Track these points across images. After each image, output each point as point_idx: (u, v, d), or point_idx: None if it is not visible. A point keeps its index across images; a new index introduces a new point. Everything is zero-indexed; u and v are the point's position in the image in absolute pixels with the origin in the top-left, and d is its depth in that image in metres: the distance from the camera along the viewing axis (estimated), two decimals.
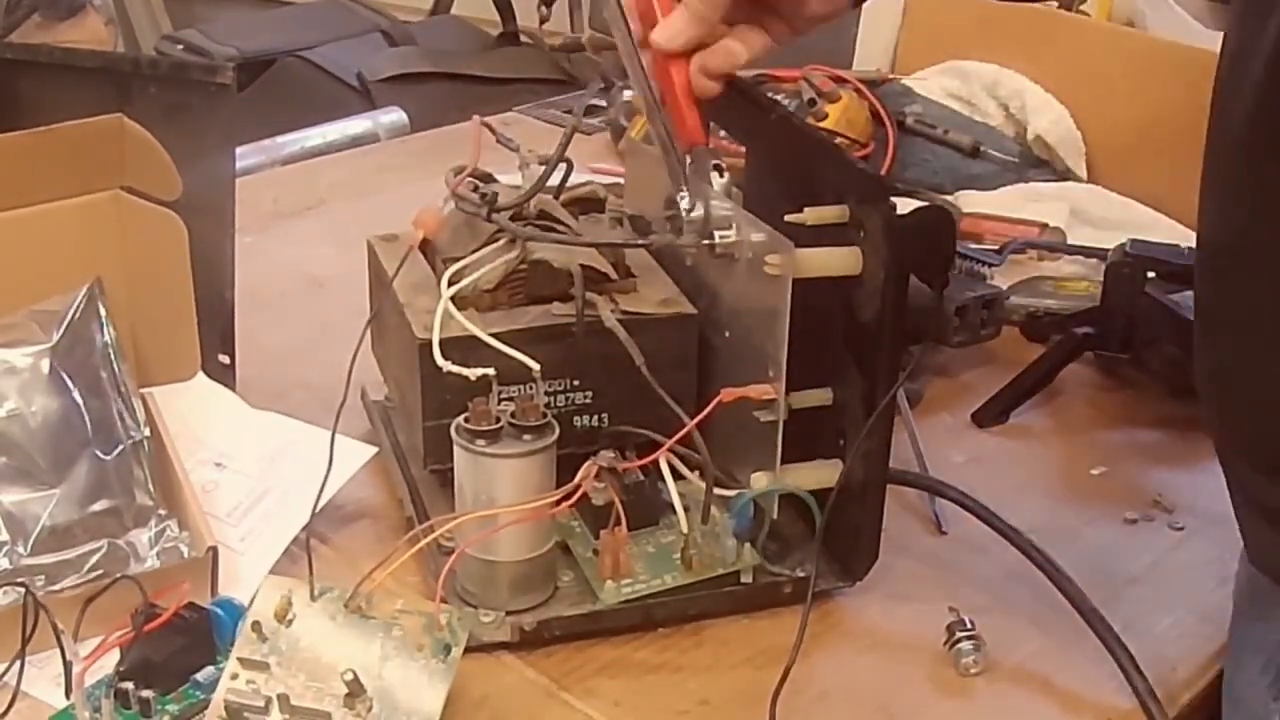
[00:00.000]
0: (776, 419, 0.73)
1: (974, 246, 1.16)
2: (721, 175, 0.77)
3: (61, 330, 0.83)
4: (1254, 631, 0.70)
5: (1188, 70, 1.18)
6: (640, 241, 0.80)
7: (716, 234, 0.75)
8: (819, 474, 0.75)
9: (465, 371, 0.75)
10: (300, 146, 1.57)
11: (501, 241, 0.81)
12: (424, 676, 0.67)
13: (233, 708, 0.65)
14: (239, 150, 1.00)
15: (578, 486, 0.73)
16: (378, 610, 0.69)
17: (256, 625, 0.68)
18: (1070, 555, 0.79)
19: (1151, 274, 0.99)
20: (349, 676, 0.65)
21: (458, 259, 0.80)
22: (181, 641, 0.69)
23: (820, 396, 0.76)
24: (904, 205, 0.71)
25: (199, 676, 0.69)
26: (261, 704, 0.65)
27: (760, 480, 0.75)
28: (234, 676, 0.67)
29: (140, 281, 0.89)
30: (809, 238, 0.72)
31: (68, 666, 0.69)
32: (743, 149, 0.86)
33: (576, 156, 0.83)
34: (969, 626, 0.75)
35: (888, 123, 1.34)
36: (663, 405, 0.75)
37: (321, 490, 0.76)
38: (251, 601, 0.70)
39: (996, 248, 1.18)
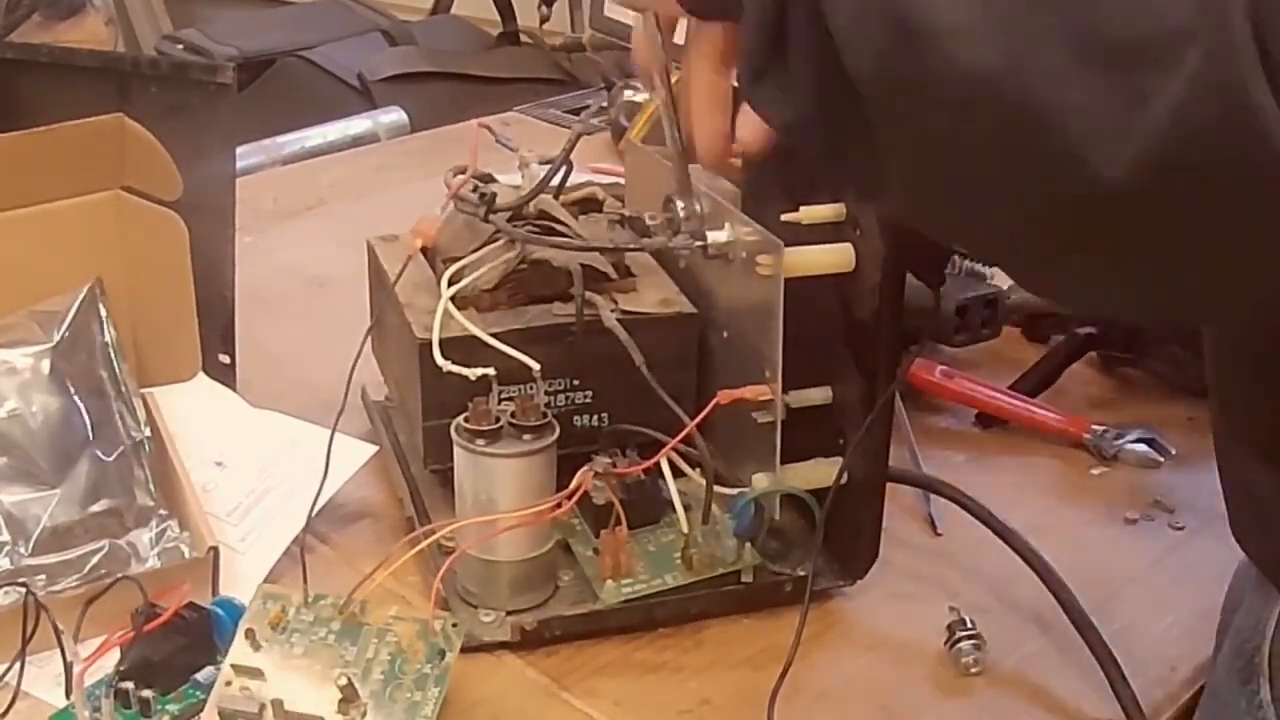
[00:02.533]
0: (774, 419, 0.73)
1: None
2: None
3: (62, 330, 0.83)
4: (1233, 620, 0.71)
5: None
6: (633, 246, 0.80)
7: (709, 235, 0.75)
8: (819, 472, 0.75)
9: (465, 371, 0.75)
10: (300, 146, 1.57)
11: (501, 241, 0.81)
12: (418, 682, 0.67)
13: (226, 713, 0.65)
14: (239, 150, 1.00)
15: (575, 491, 0.73)
16: (371, 616, 0.69)
17: (250, 632, 0.68)
18: (1070, 555, 0.80)
19: None
20: (343, 681, 0.65)
21: (458, 259, 0.80)
22: (182, 641, 0.69)
23: (819, 395, 0.76)
24: None
25: (199, 676, 0.69)
26: (255, 709, 0.65)
27: (761, 481, 0.75)
28: (228, 683, 0.67)
29: (141, 281, 0.89)
30: (806, 237, 0.72)
31: (68, 666, 0.69)
32: None
33: (576, 157, 0.83)
34: (969, 626, 0.75)
35: None
36: (663, 405, 0.75)
37: (320, 490, 0.76)
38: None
39: None
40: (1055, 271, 0.51)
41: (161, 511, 0.80)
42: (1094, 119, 0.44)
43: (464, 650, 0.70)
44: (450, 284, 0.78)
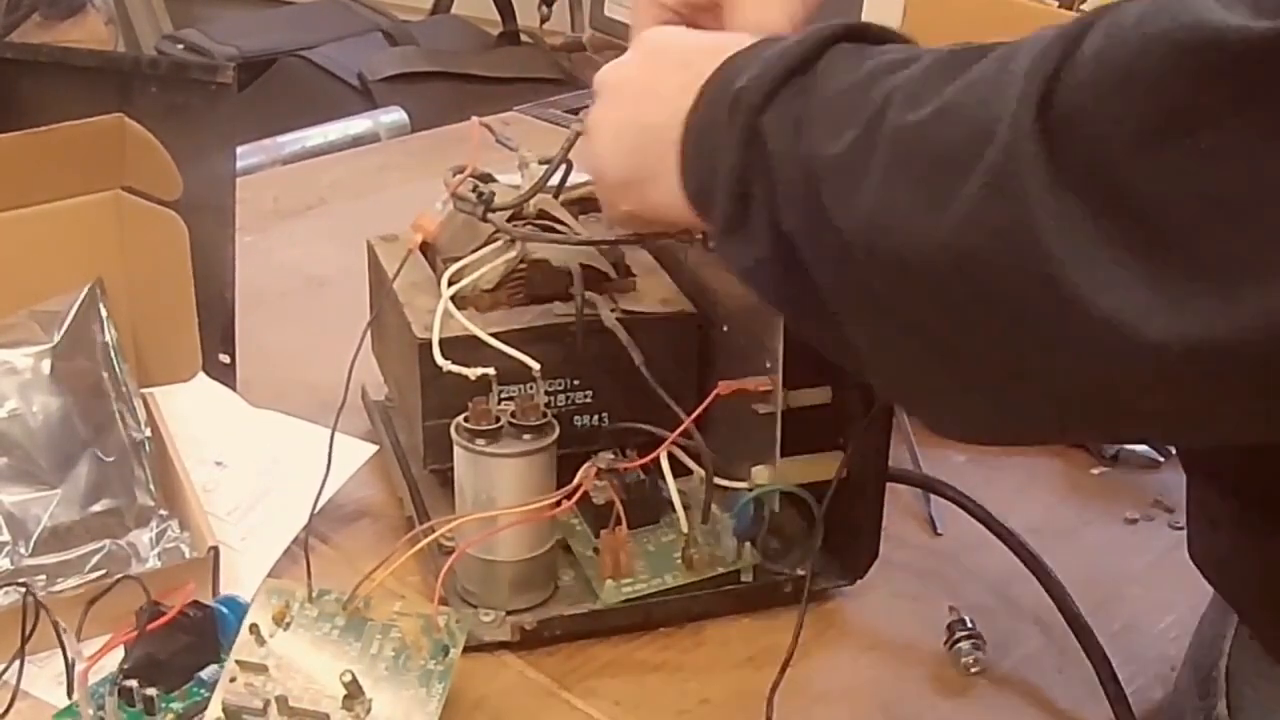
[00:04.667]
0: (775, 410, 0.73)
1: None
2: None
3: (62, 330, 0.83)
4: (1194, 637, 0.71)
5: None
6: (633, 238, 0.80)
7: None
8: (818, 467, 0.75)
9: (465, 371, 0.75)
10: (301, 146, 1.57)
11: (501, 241, 0.81)
12: (422, 678, 0.67)
13: (231, 709, 0.66)
14: (239, 150, 1.00)
15: (577, 487, 0.73)
16: (376, 612, 0.70)
17: (254, 628, 0.68)
18: (1070, 555, 0.80)
19: None
20: (348, 678, 0.65)
21: (458, 259, 0.80)
22: (185, 640, 0.69)
23: (819, 395, 0.76)
24: None
25: (203, 674, 0.69)
26: (260, 706, 0.65)
27: (761, 475, 0.75)
28: (232, 679, 0.67)
29: (141, 281, 0.89)
30: None
31: (69, 665, 0.69)
32: None
33: (576, 156, 0.83)
34: (969, 626, 0.75)
35: None
36: (663, 405, 0.75)
37: (321, 490, 0.76)
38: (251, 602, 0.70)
39: None
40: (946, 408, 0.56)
41: (162, 511, 0.80)
42: (913, 224, 0.50)
43: (464, 650, 0.70)
44: (450, 284, 0.78)
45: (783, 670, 0.70)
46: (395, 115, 1.73)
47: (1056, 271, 0.45)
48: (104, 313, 0.85)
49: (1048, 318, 0.47)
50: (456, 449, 0.73)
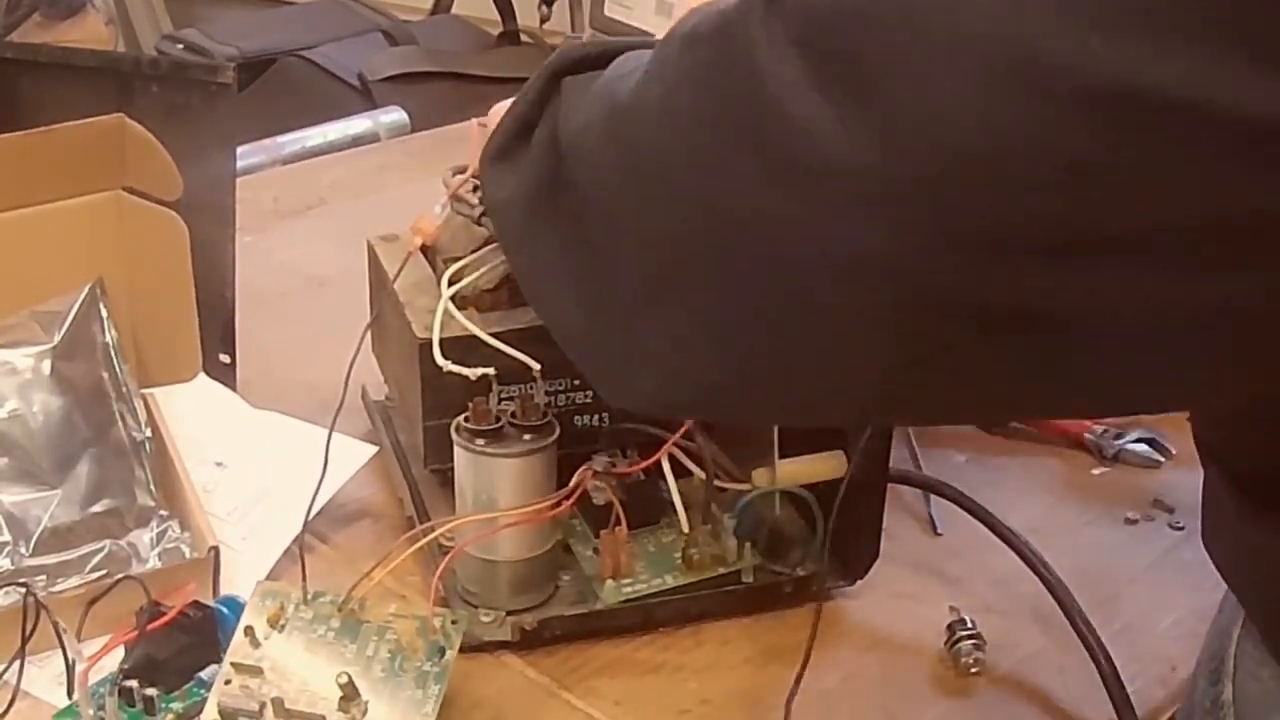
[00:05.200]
0: None
1: None
2: None
3: (63, 331, 0.83)
4: (1212, 623, 0.71)
5: None
6: None
7: None
8: (820, 467, 0.75)
9: (465, 371, 0.75)
10: (301, 146, 1.57)
11: None
12: (418, 680, 0.67)
13: (226, 712, 0.66)
14: (239, 150, 1.00)
15: (575, 488, 0.73)
16: (371, 614, 0.70)
17: (249, 630, 0.68)
18: (1070, 555, 0.80)
19: None
20: (344, 679, 0.65)
21: (458, 259, 0.80)
22: (185, 640, 0.69)
23: None
24: None
25: (203, 675, 0.69)
26: (255, 708, 0.65)
27: (761, 476, 0.75)
28: (227, 682, 0.67)
29: (141, 282, 0.89)
30: None
31: (70, 665, 0.69)
32: None
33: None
34: (970, 626, 0.75)
35: None
36: None
37: (317, 491, 0.76)
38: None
39: None
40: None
41: (162, 512, 0.80)
42: (663, 104, 0.55)
43: (464, 650, 0.70)
44: (450, 284, 0.78)
45: (800, 675, 0.70)
46: (395, 115, 1.72)
47: (775, 113, 0.48)
48: (104, 313, 0.85)
49: (772, 161, 0.49)
50: (457, 449, 0.73)
